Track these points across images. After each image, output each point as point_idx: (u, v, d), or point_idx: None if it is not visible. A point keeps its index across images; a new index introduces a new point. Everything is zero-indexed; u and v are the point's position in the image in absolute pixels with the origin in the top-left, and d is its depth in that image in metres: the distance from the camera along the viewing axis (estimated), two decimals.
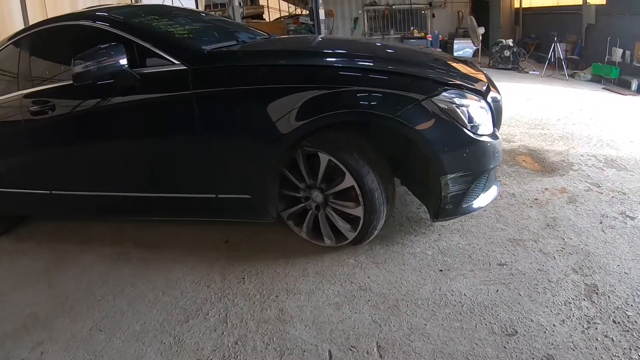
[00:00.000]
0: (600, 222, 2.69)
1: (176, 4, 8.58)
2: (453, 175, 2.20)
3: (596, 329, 1.85)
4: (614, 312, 1.94)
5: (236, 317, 2.13)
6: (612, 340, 1.79)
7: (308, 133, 2.26)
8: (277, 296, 2.25)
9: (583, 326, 1.87)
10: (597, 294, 2.07)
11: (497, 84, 2.85)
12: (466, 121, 2.19)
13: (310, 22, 9.81)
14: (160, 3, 7.26)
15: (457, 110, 2.17)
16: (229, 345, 1.96)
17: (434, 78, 2.30)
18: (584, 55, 9.60)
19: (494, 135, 2.33)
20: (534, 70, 9.81)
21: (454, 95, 2.20)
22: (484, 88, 2.42)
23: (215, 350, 1.94)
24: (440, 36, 13.94)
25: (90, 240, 3.04)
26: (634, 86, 7.27)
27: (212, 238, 2.85)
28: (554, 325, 1.89)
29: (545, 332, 1.86)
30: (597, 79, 8.28)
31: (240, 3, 9.46)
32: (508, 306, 2.03)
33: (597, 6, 9.05)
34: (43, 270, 2.74)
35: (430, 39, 13.56)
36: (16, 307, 2.40)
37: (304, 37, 6.96)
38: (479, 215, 2.83)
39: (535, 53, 11.60)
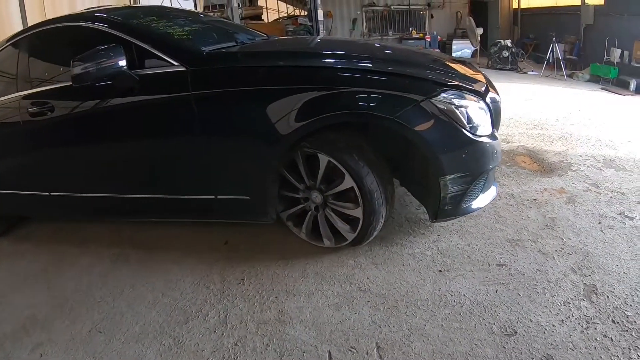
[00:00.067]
0: (599, 222, 2.69)
1: (175, 5, 8.58)
2: (452, 176, 2.20)
3: (595, 328, 1.86)
4: (613, 312, 1.94)
5: (236, 318, 2.13)
6: (611, 340, 1.79)
7: (307, 134, 2.26)
8: (276, 297, 2.25)
9: (582, 326, 1.88)
10: (596, 294, 2.07)
11: (495, 84, 2.85)
12: (465, 122, 2.19)
13: (309, 23, 9.83)
14: (159, 4, 7.26)
15: (456, 111, 2.18)
16: (229, 346, 1.96)
17: (432, 79, 2.30)
18: (582, 55, 9.62)
19: (492, 136, 2.33)
20: (532, 71, 9.83)
21: (452, 96, 2.20)
22: (483, 89, 2.43)
23: (215, 352, 1.94)
24: (438, 37, 13.95)
25: (89, 241, 3.04)
26: (632, 86, 7.29)
27: (211, 239, 2.85)
28: (553, 325, 1.89)
29: (544, 332, 1.86)
30: (596, 79, 8.30)
31: (238, 4, 9.47)
32: (507, 306, 2.03)
33: (596, 6, 9.06)
34: (42, 271, 2.73)
35: (428, 39, 13.57)
36: (15, 309, 2.40)
37: (303, 38, 6.97)
38: (478, 216, 2.83)
39: (533, 53, 11.62)
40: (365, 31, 15.06)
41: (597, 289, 2.10)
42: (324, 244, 2.55)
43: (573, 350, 1.76)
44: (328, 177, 2.39)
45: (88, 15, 2.79)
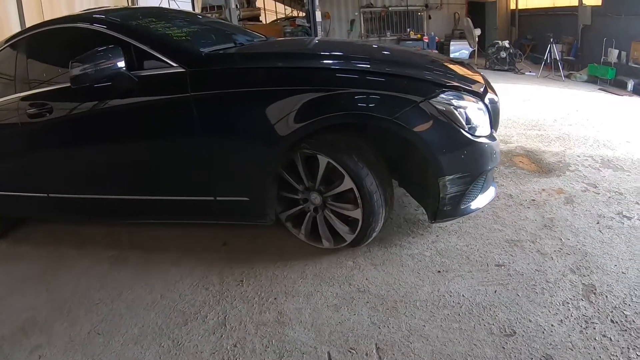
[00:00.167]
0: (598, 223, 2.70)
1: (172, 6, 8.58)
2: (451, 177, 2.20)
3: (594, 328, 1.86)
4: (611, 311, 1.95)
5: (235, 319, 2.13)
6: (610, 339, 1.80)
7: (306, 135, 2.26)
8: (275, 298, 2.25)
9: (581, 326, 1.88)
10: (594, 293, 2.07)
11: (493, 85, 2.86)
12: (464, 123, 2.20)
13: (307, 25, 9.82)
14: (157, 6, 7.26)
15: (455, 111, 2.18)
16: (228, 347, 1.96)
17: (431, 80, 2.31)
18: (579, 56, 9.65)
19: (491, 137, 2.34)
20: (530, 72, 9.85)
21: (451, 97, 2.21)
22: (482, 89, 2.43)
23: (214, 353, 1.94)
24: (436, 38, 13.97)
25: (88, 243, 3.03)
26: (629, 87, 7.32)
27: (210, 241, 2.85)
28: (552, 325, 1.90)
29: (543, 332, 1.86)
30: (593, 80, 8.32)
31: (236, 5, 9.47)
32: (506, 307, 2.03)
33: (593, 7, 9.09)
34: (40, 273, 2.72)
35: (426, 40, 13.60)
36: (14, 311, 2.39)
37: (302, 39, 6.98)
38: (477, 217, 2.83)
39: (531, 54, 11.66)
40: (363, 32, 15.08)
41: (595, 289, 2.10)
42: (323, 245, 2.55)
43: (572, 350, 1.76)
44: (327, 178, 2.39)
45: (86, 17, 2.79)
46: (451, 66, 2.70)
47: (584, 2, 9.43)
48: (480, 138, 2.26)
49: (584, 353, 1.74)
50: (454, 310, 2.04)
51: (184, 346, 2.00)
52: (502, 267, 2.33)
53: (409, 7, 14.77)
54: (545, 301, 2.05)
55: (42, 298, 2.48)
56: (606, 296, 2.05)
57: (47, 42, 2.83)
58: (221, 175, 2.46)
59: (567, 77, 8.94)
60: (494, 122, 2.47)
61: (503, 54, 10.28)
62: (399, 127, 2.16)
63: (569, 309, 1.98)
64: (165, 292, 2.39)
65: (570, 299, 2.05)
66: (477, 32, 11.20)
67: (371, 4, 14.88)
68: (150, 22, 2.79)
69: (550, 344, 1.80)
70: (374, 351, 1.86)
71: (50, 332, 2.19)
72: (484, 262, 2.38)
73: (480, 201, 2.42)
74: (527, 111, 5.75)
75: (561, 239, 2.55)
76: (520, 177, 3.49)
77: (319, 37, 8.52)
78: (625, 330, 1.84)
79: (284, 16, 17.56)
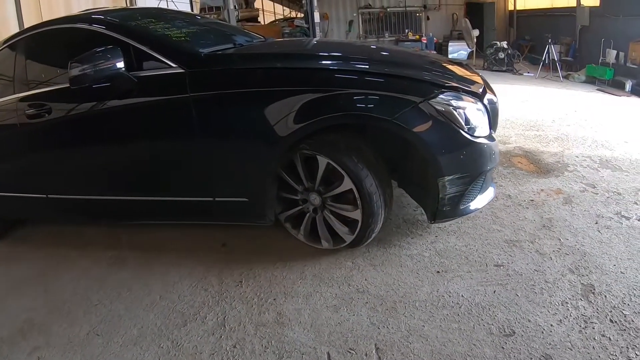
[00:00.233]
0: (596, 223, 2.71)
1: (171, 7, 8.58)
2: (450, 177, 2.21)
3: (593, 328, 1.86)
4: (610, 311, 1.95)
5: (234, 320, 2.13)
6: (610, 339, 1.80)
7: (306, 136, 2.26)
8: (274, 299, 2.25)
9: (580, 326, 1.88)
10: (593, 293, 2.08)
11: (491, 86, 2.86)
12: (463, 123, 2.20)
13: (305, 25, 9.82)
14: (155, 6, 7.25)
15: (454, 112, 2.18)
16: (228, 348, 1.96)
17: (430, 80, 2.31)
18: (578, 56, 9.69)
19: (490, 137, 2.34)
20: (528, 72, 9.87)
21: (450, 98, 2.21)
22: (480, 90, 2.44)
23: (213, 354, 1.93)
24: (434, 39, 13.99)
25: (86, 244, 3.02)
26: (627, 87, 7.34)
27: (209, 241, 2.84)
28: (551, 325, 1.90)
29: (542, 332, 1.87)
30: (591, 80, 8.35)
31: (235, 6, 9.47)
32: (505, 307, 2.04)
33: (591, 8, 9.13)
34: (39, 274, 2.72)
35: (424, 41, 13.62)
36: (12, 312, 2.38)
37: (301, 40, 6.98)
38: (476, 217, 2.83)
39: (529, 55, 11.69)
40: (361, 33, 15.08)
41: (594, 289, 2.11)
42: (322, 245, 2.55)
43: (571, 350, 1.76)
44: (327, 178, 2.39)
45: (85, 17, 2.79)
46: (450, 67, 2.71)
47: (582, 3, 9.46)
48: (480, 138, 2.26)
49: (583, 353, 1.75)
50: (453, 311, 2.04)
51: (183, 347, 2.00)
52: (501, 268, 2.33)
53: (407, 8, 14.79)
54: (544, 301, 2.05)
55: (41, 299, 2.47)
56: (605, 296, 2.05)
57: (46, 42, 2.82)
58: (220, 176, 2.45)
59: (565, 77, 8.97)
60: (493, 122, 2.48)
61: (501, 55, 10.30)
62: (399, 127, 2.17)
63: (568, 309, 1.99)
64: (164, 293, 2.39)
65: (569, 298, 2.05)
66: (476, 33, 11.23)
67: (369, 5, 14.90)
68: (149, 22, 2.79)
69: (550, 344, 1.80)
70: (374, 351, 1.86)
71: (49, 333, 2.19)
72: (483, 263, 2.38)
73: (480, 201, 2.43)
74: (526, 112, 5.76)
75: (560, 239, 2.55)
76: (519, 177, 3.50)
77: (317, 38, 8.52)
78: (624, 329, 1.84)
79: (282, 17, 17.56)
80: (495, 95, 2.73)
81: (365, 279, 2.33)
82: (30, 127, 2.70)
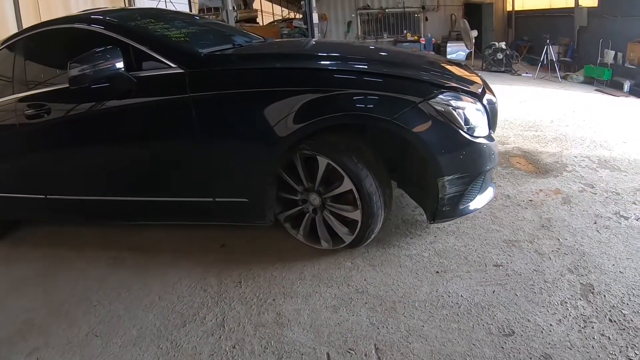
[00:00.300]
0: (595, 223, 2.71)
1: (170, 8, 8.58)
2: (450, 177, 2.21)
3: (593, 328, 1.87)
4: (610, 311, 1.95)
5: (233, 321, 2.12)
6: (609, 338, 1.80)
7: (306, 136, 2.26)
8: (274, 300, 2.25)
9: (580, 325, 1.88)
10: (592, 293, 2.08)
11: (490, 86, 2.86)
12: (463, 123, 2.20)
13: (304, 26, 9.84)
14: (154, 7, 7.25)
15: (454, 112, 2.19)
16: (227, 349, 1.95)
17: (430, 81, 2.31)
18: (576, 57, 9.71)
19: (489, 137, 2.35)
20: (526, 73, 9.89)
21: (450, 98, 2.21)
22: (480, 90, 2.44)
23: (212, 355, 1.93)
24: (433, 39, 14.03)
25: (85, 244, 3.02)
26: (626, 87, 7.36)
27: (208, 242, 2.84)
28: (550, 324, 1.90)
29: (542, 331, 1.87)
30: (590, 81, 8.37)
31: (234, 7, 9.48)
32: (505, 307, 2.04)
33: (589, 8, 9.15)
34: (38, 275, 2.71)
35: (423, 42, 13.65)
36: (11, 313, 2.38)
37: (300, 40, 6.99)
38: (474, 217, 2.84)
39: (527, 55, 11.71)
40: (360, 34, 15.11)
41: (593, 289, 2.11)
42: (322, 246, 2.55)
43: (571, 350, 1.76)
44: (326, 179, 2.39)
45: (85, 17, 2.79)
46: (449, 67, 2.71)
47: (580, 4, 9.48)
48: (479, 138, 2.26)
49: (582, 352, 1.75)
50: (452, 311, 2.05)
51: (182, 348, 1.99)
52: (500, 267, 2.33)
53: (406, 9, 14.82)
54: (543, 301, 2.05)
55: (40, 300, 2.46)
56: (604, 295, 2.06)
57: (45, 43, 2.82)
58: (220, 176, 2.45)
59: (564, 78, 8.99)
60: (492, 122, 2.48)
61: (500, 56, 10.32)
62: (398, 127, 2.17)
63: (568, 309, 1.99)
64: (164, 294, 2.38)
65: (569, 298, 2.06)
66: (474, 33, 11.24)
67: (368, 5, 14.92)
68: (148, 23, 2.79)
69: (549, 344, 1.80)
70: (373, 352, 1.86)
71: (48, 334, 2.18)
72: (482, 263, 2.39)
73: (479, 202, 2.43)
74: (524, 112, 5.77)
75: (559, 239, 2.55)
76: (518, 177, 3.50)
77: (317, 39, 8.53)
78: (624, 329, 1.85)
79: (281, 18, 17.58)
80: (494, 96, 2.73)
81: (365, 279, 2.33)
82: (30, 127, 2.70)
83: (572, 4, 9.78)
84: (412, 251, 2.55)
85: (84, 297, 2.43)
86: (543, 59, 9.40)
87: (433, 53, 11.94)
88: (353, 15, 14.99)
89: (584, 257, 2.37)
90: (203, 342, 2.01)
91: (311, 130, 2.23)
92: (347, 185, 2.30)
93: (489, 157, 2.31)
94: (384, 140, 2.46)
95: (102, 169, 2.70)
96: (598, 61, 8.37)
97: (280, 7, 21.75)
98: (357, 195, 2.29)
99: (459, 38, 13.06)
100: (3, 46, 2.94)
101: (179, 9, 9.15)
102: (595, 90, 7.69)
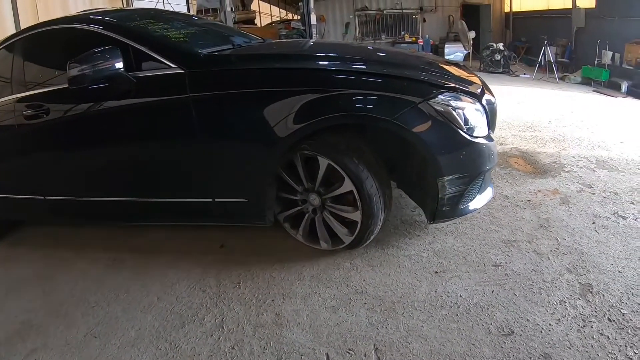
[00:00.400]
0: (593, 222, 2.72)
1: (168, 8, 8.57)
2: (450, 177, 2.21)
3: (592, 327, 1.87)
4: (608, 310, 1.96)
5: (232, 321, 2.12)
6: (608, 338, 1.81)
7: (306, 136, 2.26)
8: (273, 300, 2.25)
9: (579, 325, 1.89)
10: (591, 292, 2.08)
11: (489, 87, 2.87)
12: (462, 123, 2.21)
13: (302, 27, 9.84)
14: (153, 7, 7.25)
15: (454, 112, 2.19)
16: (226, 350, 1.95)
17: (429, 81, 2.31)
18: (574, 58, 9.73)
19: (489, 138, 2.35)
20: (524, 74, 9.91)
21: (450, 98, 2.22)
22: (479, 91, 2.44)
23: (211, 356, 1.93)
24: (431, 40, 14.04)
25: (84, 245, 3.01)
26: (623, 88, 7.38)
27: (207, 243, 2.83)
28: (549, 324, 1.90)
29: (541, 331, 1.87)
30: (587, 82, 8.38)
31: (232, 8, 9.47)
32: (504, 306, 2.04)
33: (587, 10, 9.17)
34: (37, 276, 2.70)
35: (421, 43, 13.66)
36: (10, 314, 2.37)
37: (300, 41, 6.99)
38: (473, 217, 2.84)
39: (525, 56, 11.73)
40: (358, 35, 15.12)
41: (592, 288, 2.11)
42: (321, 246, 2.55)
43: (570, 349, 1.77)
44: (326, 179, 2.39)
45: (84, 18, 2.79)
46: (448, 68, 2.72)
47: (577, 5, 9.51)
48: (479, 139, 2.27)
49: (582, 352, 1.75)
50: (451, 311, 2.05)
51: (181, 349, 1.99)
52: (499, 268, 2.33)
53: (404, 10, 14.84)
54: (542, 300, 2.05)
55: (38, 301, 2.46)
56: (603, 295, 2.06)
57: (43, 43, 2.81)
58: (220, 177, 2.45)
59: (562, 79, 9.01)
60: (491, 123, 2.49)
61: (497, 57, 10.34)
62: (399, 127, 2.17)
63: (567, 308, 1.99)
64: (162, 295, 2.38)
65: (568, 298, 2.06)
66: (472, 34, 11.26)
67: (366, 7, 14.94)
68: (148, 23, 2.79)
69: (548, 343, 1.80)
70: (373, 352, 1.86)
71: (46, 335, 2.18)
72: (481, 263, 2.39)
73: (479, 202, 2.43)
74: (522, 113, 5.78)
75: (557, 239, 2.56)
76: (516, 178, 3.51)
77: (316, 40, 8.53)
78: (623, 328, 1.85)
79: (279, 19, 17.58)
80: (493, 96, 2.74)
81: (364, 280, 2.33)
82: (28, 128, 2.69)
83: (569, 5, 9.81)
84: (410, 251, 2.55)
85: (83, 298, 2.43)
86: (541, 60, 9.42)
87: (431, 54, 11.96)
88: (351, 17, 15.00)
89: (583, 256, 2.37)
90: (202, 343, 2.01)
91: (311, 131, 2.23)
92: (347, 186, 2.30)
93: (488, 157, 2.32)
94: (384, 140, 2.46)
95: (101, 170, 2.70)
96: (595, 62, 8.39)
97: (278, 9, 21.76)
98: (357, 196, 2.29)
99: (456, 39, 13.08)
100: (2, 46, 2.93)
101: (176, 10, 9.13)
102: (593, 91, 7.71)
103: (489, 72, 10.22)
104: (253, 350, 1.93)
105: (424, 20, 15.00)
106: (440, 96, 2.20)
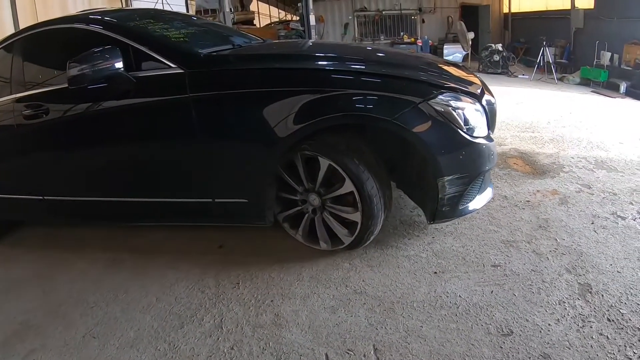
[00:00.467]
0: (592, 223, 2.72)
1: (166, 9, 8.57)
2: (450, 177, 2.21)
3: (591, 327, 1.87)
4: (608, 310, 1.96)
5: (231, 322, 2.12)
6: (607, 338, 1.81)
7: (306, 136, 2.26)
8: (272, 301, 2.24)
9: (578, 325, 1.89)
10: (590, 293, 2.08)
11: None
12: (462, 124, 2.21)
13: (301, 28, 9.84)
14: (152, 7, 7.24)
15: (454, 112, 2.19)
16: (225, 350, 1.95)
17: (429, 81, 2.31)
18: (572, 59, 9.74)
19: (488, 138, 2.35)
20: (523, 74, 9.92)
21: (449, 98, 2.22)
22: (479, 91, 2.45)
23: (211, 356, 1.93)
24: (430, 41, 14.04)
25: (83, 246, 3.01)
26: (622, 89, 7.39)
27: (206, 243, 2.83)
28: (549, 324, 1.90)
29: (540, 331, 1.87)
30: (586, 82, 8.39)
31: (230, 9, 9.47)
32: (503, 307, 2.04)
33: (585, 10, 9.19)
34: (36, 276, 2.70)
35: (420, 44, 13.66)
36: (8, 315, 2.37)
37: (299, 41, 6.98)
38: (472, 218, 2.84)
39: (524, 57, 11.74)
40: (356, 36, 15.13)
41: (591, 288, 2.11)
42: (321, 246, 2.54)
43: (569, 349, 1.77)
44: (326, 180, 2.39)
45: (83, 17, 2.78)
46: (447, 68, 2.72)
47: (576, 5, 9.52)
48: (478, 139, 2.27)
49: (581, 352, 1.75)
50: (451, 311, 2.05)
51: (180, 349, 1.99)
52: (498, 268, 2.33)
53: (403, 11, 14.85)
54: (541, 301, 2.06)
55: (37, 301, 2.45)
56: (602, 295, 2.06)
57: (43, 43, 2.81)
58: (220, 177, 2.44)
59: (560, 79, 9.02)
60: (491, 123, 2.49)
61: (496, 57, 10.35)
62: (399, 127, 2.17)
63: (566, 308, 1.99)
64: (161, 295, 2.38)
65: (567, 298, 2.06)
66: (471, 35, 11.27)
67: (365, 7, 14.94)
68: (147, 23, 2.79)
69: (548, 343, 1.80)
70: (372, 352, 1.86)
71: (45, 335, 2.17)
72: (480, 263, 2.39)
73: (478, 202, 2.43)
74: (521, 114, 5.79)
75: (556, 239, 2.56)
76: (515, 178, 3.51)
77: (316, 40, 8.53)
78: (622, 328, 1.85)
79: (278, 20, 17.57)
80: (493, 96, 2.74)
81: (363, 280, 2.33)
82: (27, 128, 2.69)
83: (568, 6, 9.82)
84: (410, 252, 2.55)
85: (82, 299, 2.43)
86: (539, 61, 9.43)
87: (430, 54, 11.97)
88: (350, 17, 15.01)
89: (582, 257, 2.37)
90: (201, 343, 2.00)
91: (311, 131, 2.23)
92: (348, 187, 2.30)
93: (488, 157, 2.32)
94: (384, 140, 2.46)
95: (101, 170, 2.69)
96: (594, 63, 8.41)
97: (277, 9, 21.75)
98: (357, 197, 2.29)
99: (455, 40, 13.08)
100: (1, 46, 2.92)
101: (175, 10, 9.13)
102: (592, 91, 7.72)
103: (488, 73, 10.23)
104: (252, 351, 1.93)
105: (423, 21, 15.01)
106: (440, 96, 2.20)
